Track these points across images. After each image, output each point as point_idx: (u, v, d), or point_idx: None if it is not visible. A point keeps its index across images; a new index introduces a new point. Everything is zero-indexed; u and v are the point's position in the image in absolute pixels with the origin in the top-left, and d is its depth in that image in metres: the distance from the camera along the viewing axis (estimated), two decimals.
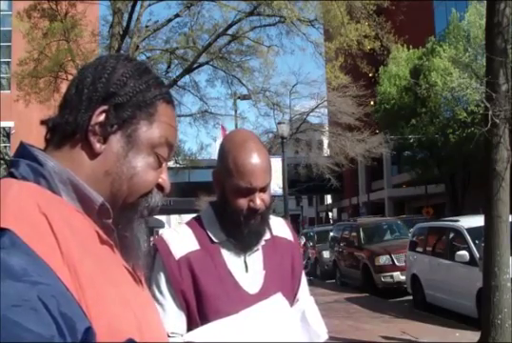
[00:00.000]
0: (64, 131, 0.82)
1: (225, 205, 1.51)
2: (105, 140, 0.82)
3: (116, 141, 0.82)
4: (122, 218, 0.84)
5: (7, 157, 16.83)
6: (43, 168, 0.78)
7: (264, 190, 1.49)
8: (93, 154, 0.82)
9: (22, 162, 0.78)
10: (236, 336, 1.29)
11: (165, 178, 0.88)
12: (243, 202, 1.48)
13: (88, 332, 0.65)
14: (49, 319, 0.61)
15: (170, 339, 1.35)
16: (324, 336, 1.44)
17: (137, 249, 0.86)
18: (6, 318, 0.59)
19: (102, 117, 0.81)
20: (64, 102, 0.85)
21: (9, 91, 26.15)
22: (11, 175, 0.77)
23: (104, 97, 0.82)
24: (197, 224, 1.56)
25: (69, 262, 0.68)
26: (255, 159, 1.47)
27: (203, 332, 1.33)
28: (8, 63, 30.72)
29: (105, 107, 0.82)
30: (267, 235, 1.56)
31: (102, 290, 0.71)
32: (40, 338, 0.60)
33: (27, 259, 0.64)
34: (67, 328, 0.62)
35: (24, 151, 0.80)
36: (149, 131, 0.85)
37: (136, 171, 0.83)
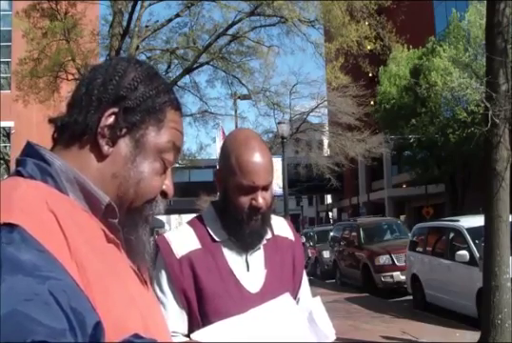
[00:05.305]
0: (73, 131, 0.82)
1: (226, 203, 1.52)
2: (113, 143, 0.82)
3: (124, 145, 0.83)
4: (128, 222, 0.84)
5: (6, 157, 16.81)
6: (50, 167, 0.78)
7: (266, 188, 1.50)
8: (101, 156, 0.82)
9: (29, 161, 0.78)
10: (243, 336, 1.29)
11: (168, 184, 0.89)
12: (245, 200, 1.48)
13: (98, 326, 0.65)
14: (60, 313, 0.62)
15: (172, 339, 1.35)
16: (332, 337, 1.44)
17: (143, 252, 0.86)
18: (18, 312, 0.60)
19: (111, 120, 0.82)
20: (73, 101, 0.85)
21: (8, 91, 26.13)
22: (19, 174, 0.77)
23: (114, 100, 0.82)
24: (199, 223, 1.57)
25: (77, 258, 0.69)
26: (258, 158, 1.48)
27: (210, 331, 1.33)
28: (7, 63, 30.71)
29: (114, 109, 0.82)
30: (269, 235, 1.57)
31: (109, 287, 0.72)
32: (52, 331, 0.60)
33: (37, 254, 0.65)
34: (77, 322, 0.63)
35: (31, 151, 0.80)
36: (157, 137, 0.85)
37: (143, 177, 0.83)
